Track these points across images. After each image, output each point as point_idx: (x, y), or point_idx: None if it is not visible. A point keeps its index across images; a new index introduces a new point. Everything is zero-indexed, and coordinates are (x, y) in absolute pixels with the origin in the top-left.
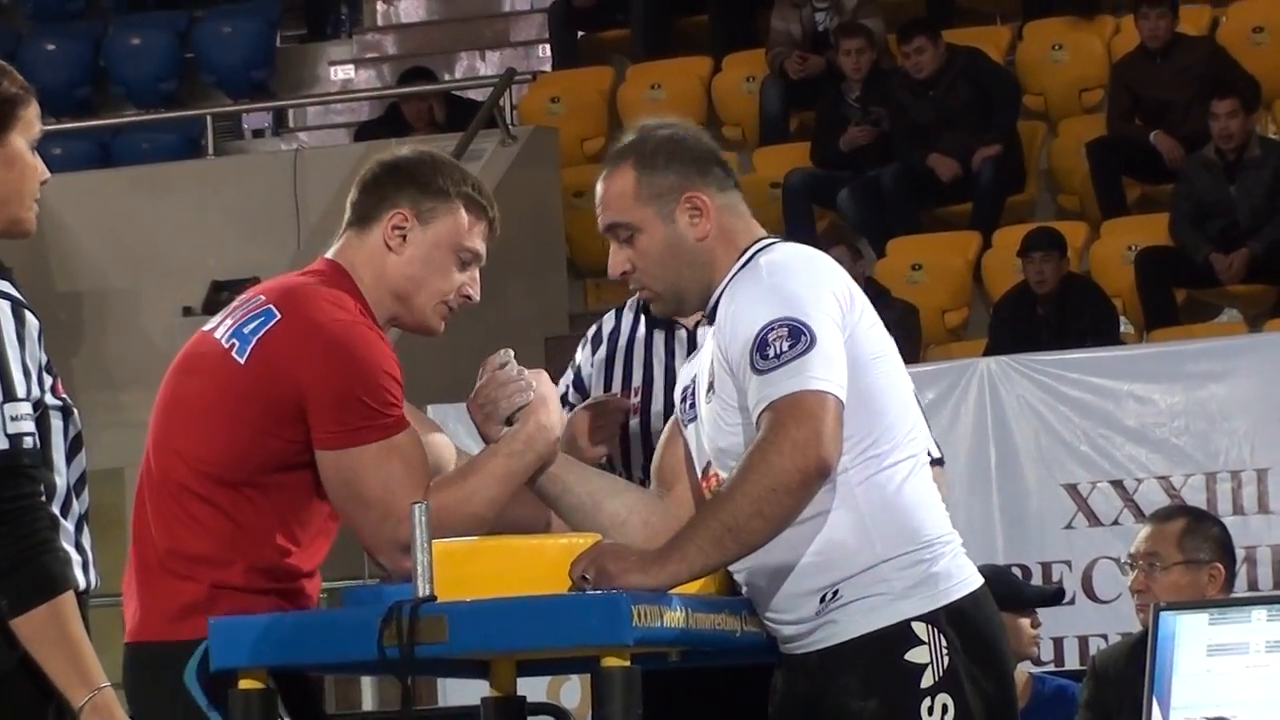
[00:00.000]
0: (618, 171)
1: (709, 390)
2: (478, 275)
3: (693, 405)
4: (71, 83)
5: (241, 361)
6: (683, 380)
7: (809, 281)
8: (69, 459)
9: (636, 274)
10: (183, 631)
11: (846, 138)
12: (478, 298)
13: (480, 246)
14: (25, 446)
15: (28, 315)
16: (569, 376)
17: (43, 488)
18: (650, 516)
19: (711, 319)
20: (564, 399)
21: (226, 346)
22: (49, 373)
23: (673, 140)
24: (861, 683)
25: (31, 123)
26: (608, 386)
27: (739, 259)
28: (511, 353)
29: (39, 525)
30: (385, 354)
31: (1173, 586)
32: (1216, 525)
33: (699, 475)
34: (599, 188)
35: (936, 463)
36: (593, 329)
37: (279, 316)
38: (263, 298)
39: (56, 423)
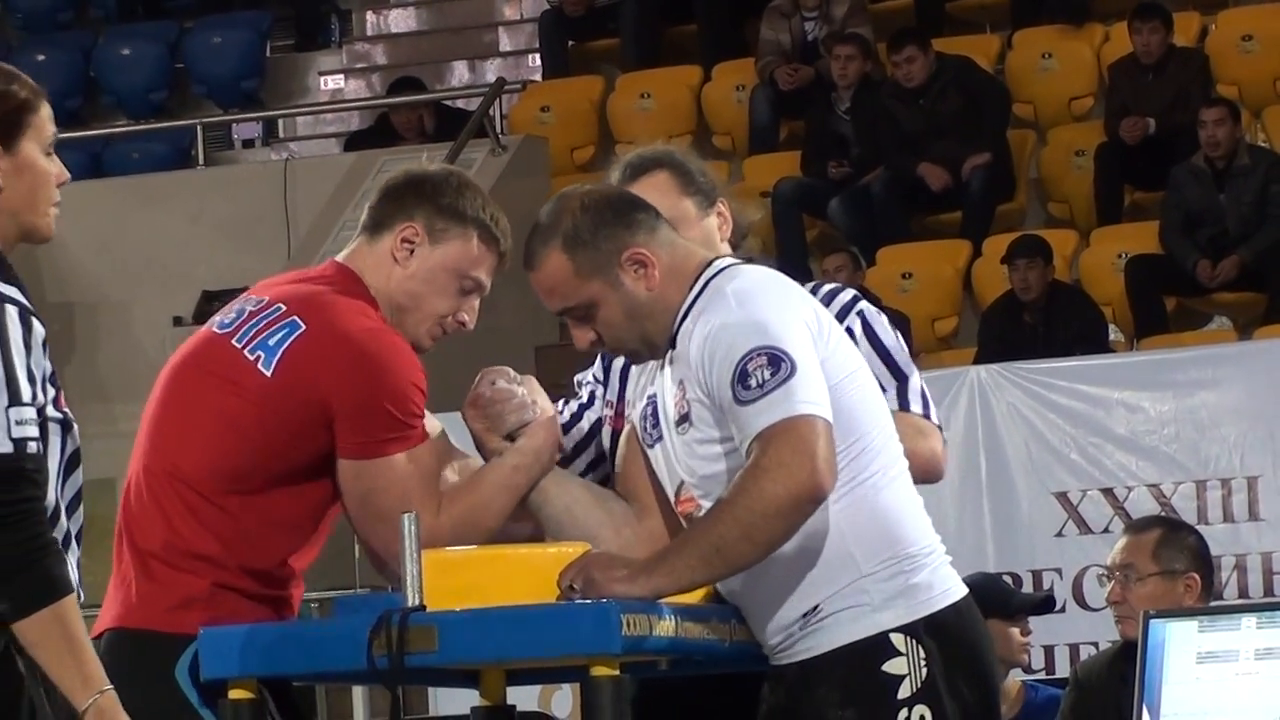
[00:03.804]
0: (548, 258)
1: (682, 422)
2: (476, 305)
3: (655, 426)
4: (62, 93)
5: (268, 374)
6: (640, 400)
7: (779, 308)
8: (65, 475)
9: (605, 341)
10: (179, 624)
11: (832, 171)
12: (472, 326)
13: (485, 278)
14: (29, 451)
15: (35, 323)
16: (585, 391)
17: (44, 493)
18: (624, 529)
19: (672, 344)
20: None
21: (251, 358)
22: (52, 384)
23: (587, 207)
24: (839, 694)
25: (44, 126)
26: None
27: (693, 285)
28: (510, 371)
29: (41, 529)
30: (412, 363)
31: (1148, 597)
32: (1193, 535)
33: (670, 497)
34: (534, 278)
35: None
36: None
37: (304, 327)
38: (284, 306)
39: (55, 437)
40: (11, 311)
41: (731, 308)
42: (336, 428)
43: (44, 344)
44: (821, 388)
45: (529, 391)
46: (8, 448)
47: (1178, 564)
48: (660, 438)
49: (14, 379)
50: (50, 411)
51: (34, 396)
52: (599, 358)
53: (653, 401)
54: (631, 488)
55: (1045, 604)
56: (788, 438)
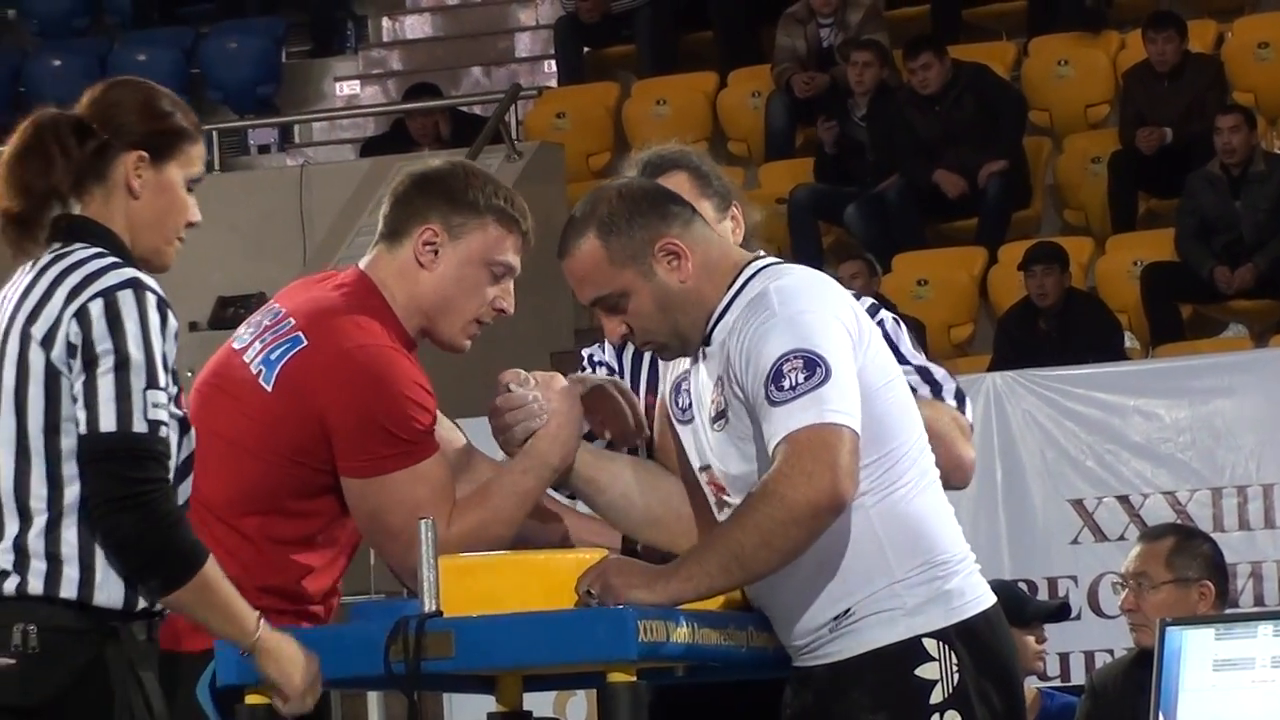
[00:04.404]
0: (583, 245)
1: (719, 418)
2: (511, 287)
3: (688, 408)
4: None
5: (268, 389)
6: (673, 376)
7: (821, 310)
8: (180, 479)
9: (637, 333)
10: (198, 643)
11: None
12: (511, 310)
13: (513, 259)
14: (161, 434)
15: (170, 315)
16: (602, 372)
17: (170, 477)
18: (682, 508)
19: (707, 341)
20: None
21: (254, 373)
22: (175, 382)
23: (624, 196)
24: (870, 697)
25: (193, 161)
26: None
27: (732, 283)
28: (522, 374)
29: (171, 505)
30: (412, 379)
31: (1162, 605)
32: (1207, 543)
33: (698, 474)
34: (567, 266)
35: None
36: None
37: (306, 343)
38: (292, 322)
39: (174, 434)
40: (152, 299)
41: (774, 306)
42: (336, 447)
43: (175, 338)
44: (854, 396)
45: (543, 392)
46: (143, 428)
47: (1191, 572)
48: (691, 419)
49: (153, 363)
50: (172, 409)
51: (167, 384)
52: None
53: (685, 378)
54: (672, 460)
55: (1060, 612)
56: (811, 445)
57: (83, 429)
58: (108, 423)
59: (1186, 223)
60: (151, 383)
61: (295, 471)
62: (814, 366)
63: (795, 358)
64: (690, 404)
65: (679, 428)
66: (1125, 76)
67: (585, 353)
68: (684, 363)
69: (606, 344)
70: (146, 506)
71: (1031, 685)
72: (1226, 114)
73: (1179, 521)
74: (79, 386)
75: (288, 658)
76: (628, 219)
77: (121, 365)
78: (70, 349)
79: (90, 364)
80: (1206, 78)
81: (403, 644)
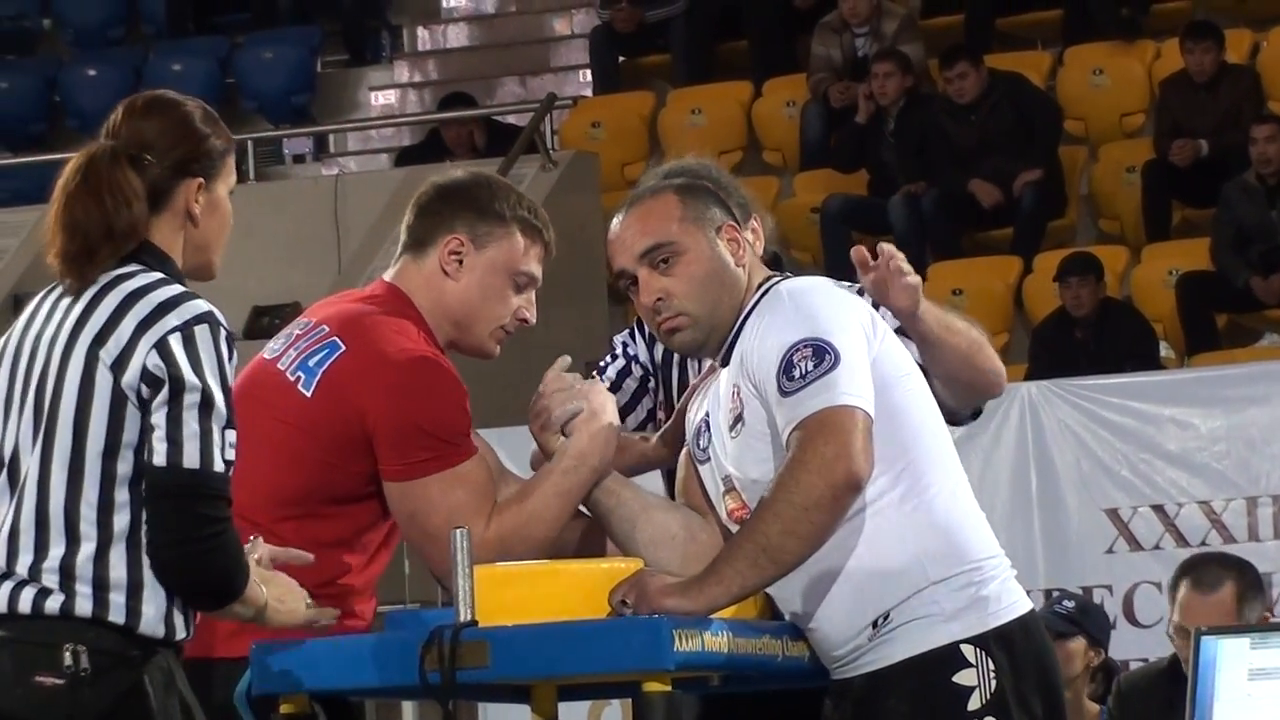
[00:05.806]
0: (659, 198)
1: (736, 423)
2: (533, 298)
3: (708, 445)
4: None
5: (308, 395)
6: (694, 418)
7: (831, 303)
8: None
9: (673, 300)
10: (233, 649)
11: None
12: (534, 320)
13: (536, 270)
14: (229, 475)
15: (234, 351)
16: (637, 370)
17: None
18: (700, 533)
19: (726, 360)
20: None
21: (292, 379)
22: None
23: (707, 183)
24: (909, 705)
25: (232, 171)
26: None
27: (754, 296)
28: (568, 359)
29: (237, 542)
30: (452, 383)
31: None
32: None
33: (719, 508)
34: (628, 216)
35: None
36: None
37: (344, 348)
38: (326, 328)
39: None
40: (223, 334)
41: (783, 302)
42: (377, 450)
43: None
44: (865, 380)
45: (586, 390)
46: (221, 468)
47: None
48: (707, 458)
49: (230, 403)
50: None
51: (234, 425)
52: (644, 339)
53: (707, 419)
54: (696, 503)
55: None
56: (823, 429)
57: (160, 460)
58: (191, 459)
59: (1222, 232)
60: (229, 423)
61: (330, 475)
62: (823, 354)
63: (804, 346)
64: (710, 443)
65: (700, 468)
66: (1162, 86)
67: (618, 339)
68: (704, 403)
69: (638, 335)
70: (221, 549)
71: (1093, 706)
72: (1262, 124)
73: (1210, 546)
74: (160, 418)
75: (291, 612)
76: (706, 194)
77: (206, 403)
78: (149, 379)
79: (175, 396)
80: (1242, 87)
81: (438, 653)
